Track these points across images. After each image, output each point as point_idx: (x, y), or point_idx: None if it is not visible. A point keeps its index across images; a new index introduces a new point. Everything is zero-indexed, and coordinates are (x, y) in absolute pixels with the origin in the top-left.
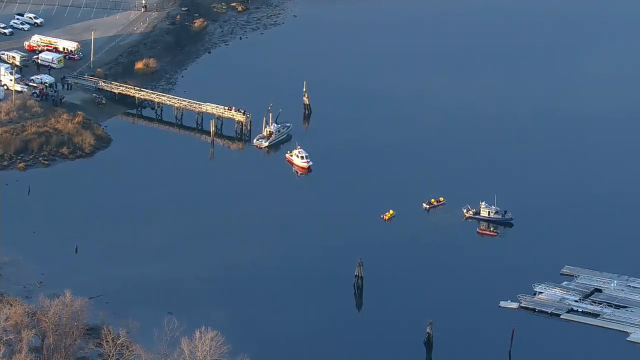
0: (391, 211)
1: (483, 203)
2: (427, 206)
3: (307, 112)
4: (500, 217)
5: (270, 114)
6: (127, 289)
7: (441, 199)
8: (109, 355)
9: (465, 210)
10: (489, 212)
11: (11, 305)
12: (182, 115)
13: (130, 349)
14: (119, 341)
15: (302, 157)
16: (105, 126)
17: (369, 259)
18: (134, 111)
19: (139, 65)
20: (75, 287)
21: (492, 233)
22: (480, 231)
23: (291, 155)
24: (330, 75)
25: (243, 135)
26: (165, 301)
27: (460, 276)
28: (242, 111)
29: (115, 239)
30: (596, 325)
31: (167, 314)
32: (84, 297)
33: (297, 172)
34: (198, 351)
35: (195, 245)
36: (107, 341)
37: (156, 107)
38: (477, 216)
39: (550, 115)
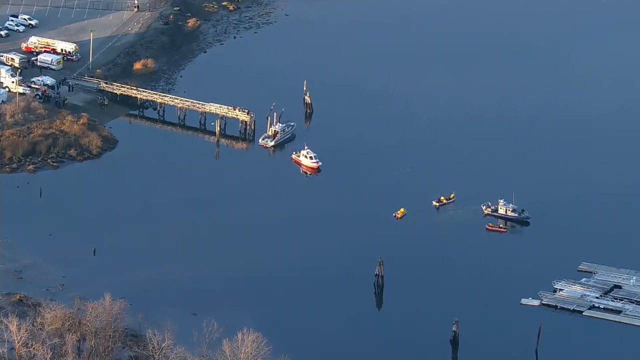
0: (402, 209)
1: (501, 201)
2: (437, 204)
3: (309, 110)
4: (517, 215)
5: (275, 114)
6: (148, 290)
7: (452, 195)
8: (154, 359)
9: (484, 207)
10: (506, 210)
11: (51, 309)
12: (185, 115)
13: (176, 352)
14: (165, 344)
15: (310, 158)
16: (110, 127)
17: (387, 258)
18: (137, 112)
19: (138, 65)
20: (97, 290)
21: (501, 229)
22: (490, 228)
23: (298, 156)
24: (329, 73)
25: (247, 135)
26: (188, 302)
27: (479, 274)
28: (246, 111)
29: (131, 241)
30: (619, 322)
31: (191, 315)
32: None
33: (306, 173)
34: (241, 353)
35: (213, 246)
36: (153, 344)
37: (158, 108)
38: (495, 214)
39: (560, 111)
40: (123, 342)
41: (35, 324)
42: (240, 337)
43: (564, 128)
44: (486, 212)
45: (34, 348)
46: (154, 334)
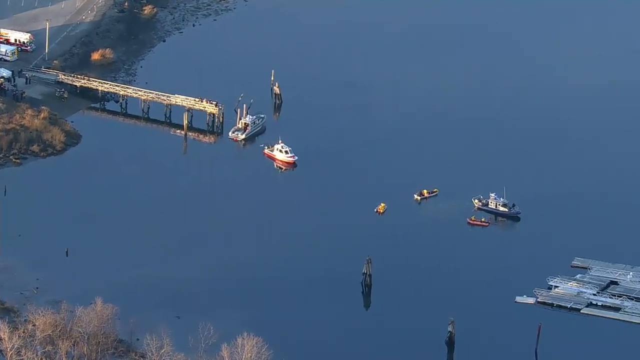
0: (383, 204)
1: (493, 195)
2: (419, 197)
3: (278, 102)
4: (507, 210)
5: (245, 105)
6: (129, 293)
7: (435, 190)
8: None
9: (476, 201)
10: (496, 204)
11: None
12: (149, 108)
13: (176, 358)
14: (163, 350)
15: (285, 152)
16: (72, 121)
17: (373, 255)
18: (98, 105)
19: (96, 56)
20: (74, 292)
21: (483, 223)
22: (471, 222)
23: (271, 150)
24: (296, 62)
25: (216, 128)
26: (173, 304)
27: (470, 271)
28: (214, 102)
29: (104, 240)
30: (619, 320)
31: (175, 317)
32: (83, 303)
33: (281, 168)
34: (242, 359)
35: (190, 245)
36: (151, 351)
37: (121, 100)
38: (485, 208)
39: (550, 102)
40: (115, 348)
41: (25, 330)
42: (240, 342)
43: (553, 120)
44: (477, 206)
45: (26, 356)
46: (152, 340)
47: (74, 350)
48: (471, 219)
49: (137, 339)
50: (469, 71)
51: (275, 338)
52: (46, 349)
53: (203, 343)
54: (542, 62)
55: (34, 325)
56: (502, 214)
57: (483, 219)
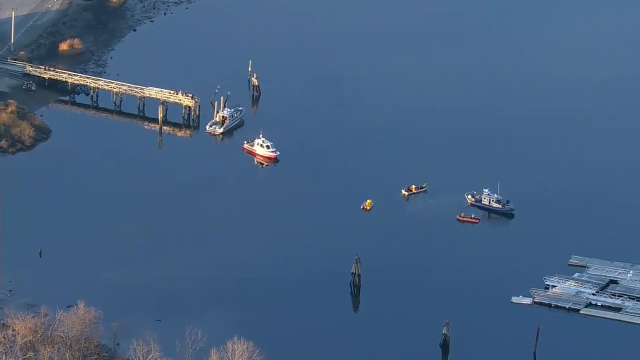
0: (369, 201)
1: (486, 190)
2: (407, 193)
3: (256, 94)
4: (501, 207)
5: (222, 97)
6: (107, 295)
7: (424, 185)
8: None
9: (469, 197)
10: (489, 200)
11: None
12: (121, 101)
13: None
14: (151, 356)
15: (267, 147)
16: (41, 115)
17: (361, 254)
18: (68, 98)
19: (64, 46)
20: (49, 295)
21: (473, 220)
22: (461, 218)
23: (252, 145)
24: (275, 52)
25: (192, 122)
26: (154, 307)
27: (464, 270)
28: (190, 95)
29: (79, 240)
30: (620, 320)
31: (156, 321)
32: (61, 306)
33: (262, 163)
34: None
35: (169, 245)
36: (138, 356)
37: (92, 93)
38: (478, 204)
39: (544, 96)
40: (98, 353)
41: (6, 336)
42: (230, 347)
43: (550, 114)
44: (470, 202)
45: None
46: (138, 345)
47: (55, 356)
48: (461, 216)
49: (118, 344)
50: (460, 63)
51: (265, 342)
52: (27, 355)
53: (191, 348)
54: (537, 54)
55: (13, 330)
56: (496, 211)
57: (473, 215)
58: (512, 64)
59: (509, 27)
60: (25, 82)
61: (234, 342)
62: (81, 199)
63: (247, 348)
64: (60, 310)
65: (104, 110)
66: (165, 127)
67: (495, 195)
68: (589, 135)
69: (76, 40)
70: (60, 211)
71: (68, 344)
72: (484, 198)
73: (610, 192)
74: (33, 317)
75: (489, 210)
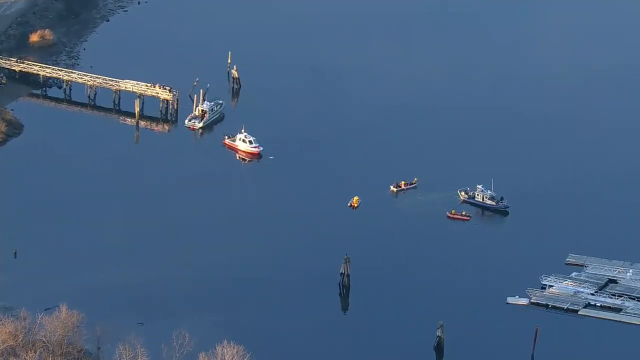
0: (356, 197)
1: (480, 186)
2: (396, 189)
3: (236, 86)
4: (495, 204)
5: (202, 90)
6: (86, 297)
7: (414, 180)
8: None
9: (462, 193)
10: (483, 197)
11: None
12: (95, 94)
13: None
14: None
15: (250, 142)
16: (12, 110)
17: (350, 254)
18: (40, 91)
19: (34, 37)
20: (27, 298)
21: (464, 217)
22: (451, 215)
23: (233, 140)
24: (256, 43)
25: (170, 116)
26: (134, 309)
27: (458, 270)
28: (168, 88)
29: (55, 240)
30: (620, 322)
31: (137, 324)
32: (40, 309)
33: (245, 159)
34: None
35: (150, 244)
36: None
37: (65, 86)
38: (471, 200)
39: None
40: (81, 359)
41: None
42: (219, 351)
43: (545, 108)
44: (462, 198)
45: None
46: (124, 349)
47: None
48: (451, 213)
49: (99, 348)
50: (450, 55)
51: (256, 346)
52: None
53: (177, 352)
54: (533, 48)
55: None
56: (490, 208)
57: (464, 212)
58: (508, 57)
59: (504, 20)
60: None
61: (223, 346)
62: (56, 197)
63: (237, 352)
64: (40, 314)
65: (78, 104)
66: (142, 122)
67: (489, 191)
68: (586, 130)
69: (47, 31)
70: (34, 210)
71: (50, 348)
72: (478, 194)
73: (608, 188)
74: (12, 321)
75: (483, 207)
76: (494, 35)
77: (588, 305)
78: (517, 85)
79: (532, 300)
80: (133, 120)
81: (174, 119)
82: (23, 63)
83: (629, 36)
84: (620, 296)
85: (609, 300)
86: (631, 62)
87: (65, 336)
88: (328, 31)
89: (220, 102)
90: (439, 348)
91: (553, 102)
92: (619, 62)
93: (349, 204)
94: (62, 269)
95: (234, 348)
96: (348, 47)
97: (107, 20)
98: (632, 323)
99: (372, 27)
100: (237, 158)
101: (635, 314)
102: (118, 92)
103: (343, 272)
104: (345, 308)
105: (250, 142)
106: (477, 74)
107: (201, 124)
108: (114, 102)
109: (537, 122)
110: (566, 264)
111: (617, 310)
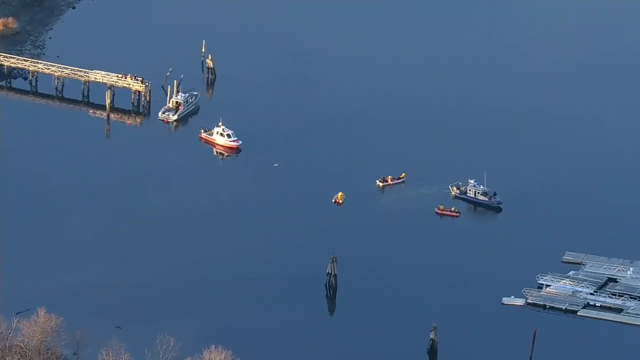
0: (341, 193)
1: (472, 181)
2: (382, 184)
3: (211, 77)
4: (487, 200)
5: (175, 81)
6: (63, 300)
7: (402, 175)
8: None
9: (454, 188)
10: (475, 192)
11: None
12: (63, 86)
13: None
14: None
15: (228, 136)
16: None
17: (336, 252)
18: (4, 83)
19: None
20: (0, 302)
21: (453, 213)
22: (440, 211)
23: (210, 134)
24: (231, 31)
25: (142, 108)
26: (114, 313)
27: (450, 269)
28: (140, 79)
29: (28, 238)
30: (622, 322)
31: (115, 328)
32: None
33: (222, 154)
34: None
35: (127, 244)
36: None
37: (30, 77)
38: (463, 196)
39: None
40: None
41: None
42: (207, 357)
43: (540, 101)
44: (454, 193)
45: None
46: (107, 355)
47: None
48: (440, 208)
49: (75, 354)
50: (440, 46)
51: (244, 351)
52: None
53: (162, 357)
54: (525, 40)
55: None
56: (482, 203)
57: (453, 208)
58: (500, 49)
59: (496, 10)
60: None
61: (210, 351)
62: (24, 194)
63: (224, 357)
64: (16, 318)
65: (45, 96)
66: (113, 115)
67: (481, 186)
68: (583, 124)
69: (10, 19)
70: (4, 207)
71: (28, 355)
72: (469, 190)
73: (605, 183)
74: None
75: (475, 202)
76: (487, 26)
77: (587, 306)
78: (511, 78)
79: (528, 301)
80: (103, 113)
81: (146, 111)
82: None
83: (628, 35)
84: (621, 296)
85: (609, 300)
86: (628, 60)
87: (44, 341)
88: (309, 18)
89: (195, 93)
90: (432, 352)
91: (549, 95)
92: (615, 58)
93: (333, 200)
94: (34, 270)
95: (222, 353)
96: (332, 33)
97: (73, 8)
98: (634, 324)
99: (357, 15)
100: (215, 152)
101: (637, 314)
102: (87, 84)
103: (330, 272)
104: (332, 310)
105: (229, 135)
106: (468, 65)
107: (175, 117)
108: (83, 94)
109: (531, 114)
110: (563, 262)
111: (618, 310)
